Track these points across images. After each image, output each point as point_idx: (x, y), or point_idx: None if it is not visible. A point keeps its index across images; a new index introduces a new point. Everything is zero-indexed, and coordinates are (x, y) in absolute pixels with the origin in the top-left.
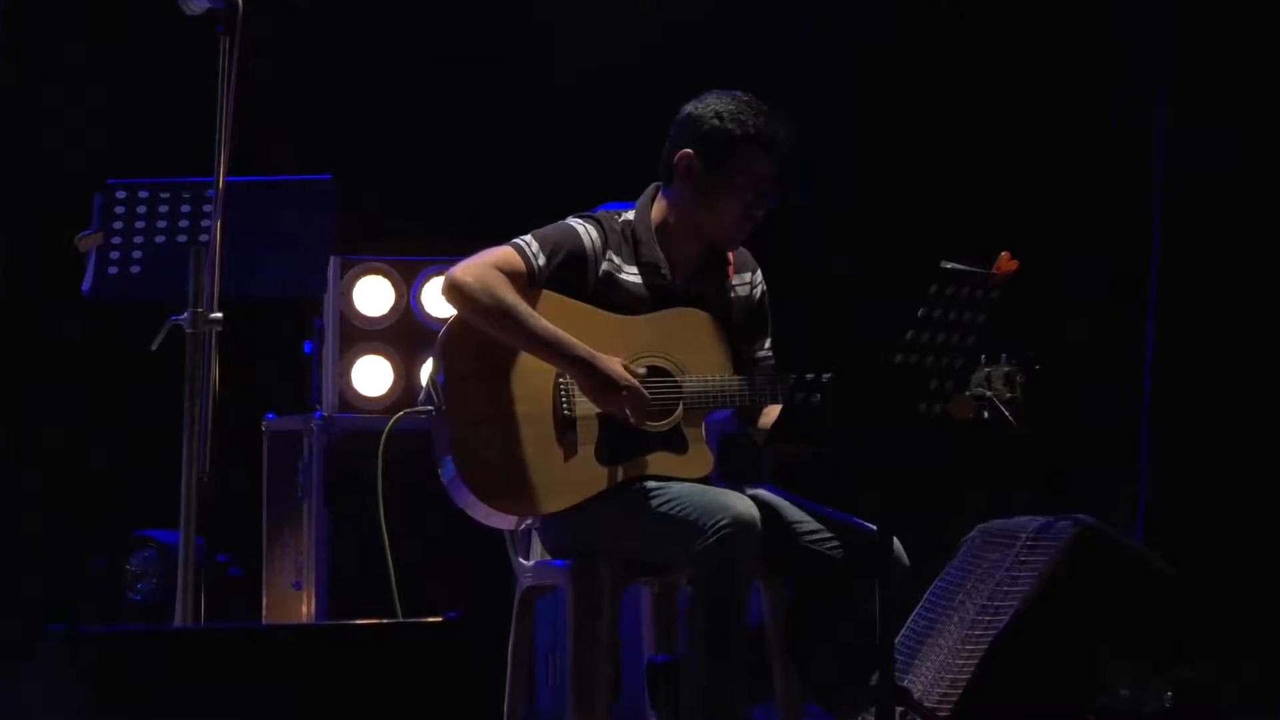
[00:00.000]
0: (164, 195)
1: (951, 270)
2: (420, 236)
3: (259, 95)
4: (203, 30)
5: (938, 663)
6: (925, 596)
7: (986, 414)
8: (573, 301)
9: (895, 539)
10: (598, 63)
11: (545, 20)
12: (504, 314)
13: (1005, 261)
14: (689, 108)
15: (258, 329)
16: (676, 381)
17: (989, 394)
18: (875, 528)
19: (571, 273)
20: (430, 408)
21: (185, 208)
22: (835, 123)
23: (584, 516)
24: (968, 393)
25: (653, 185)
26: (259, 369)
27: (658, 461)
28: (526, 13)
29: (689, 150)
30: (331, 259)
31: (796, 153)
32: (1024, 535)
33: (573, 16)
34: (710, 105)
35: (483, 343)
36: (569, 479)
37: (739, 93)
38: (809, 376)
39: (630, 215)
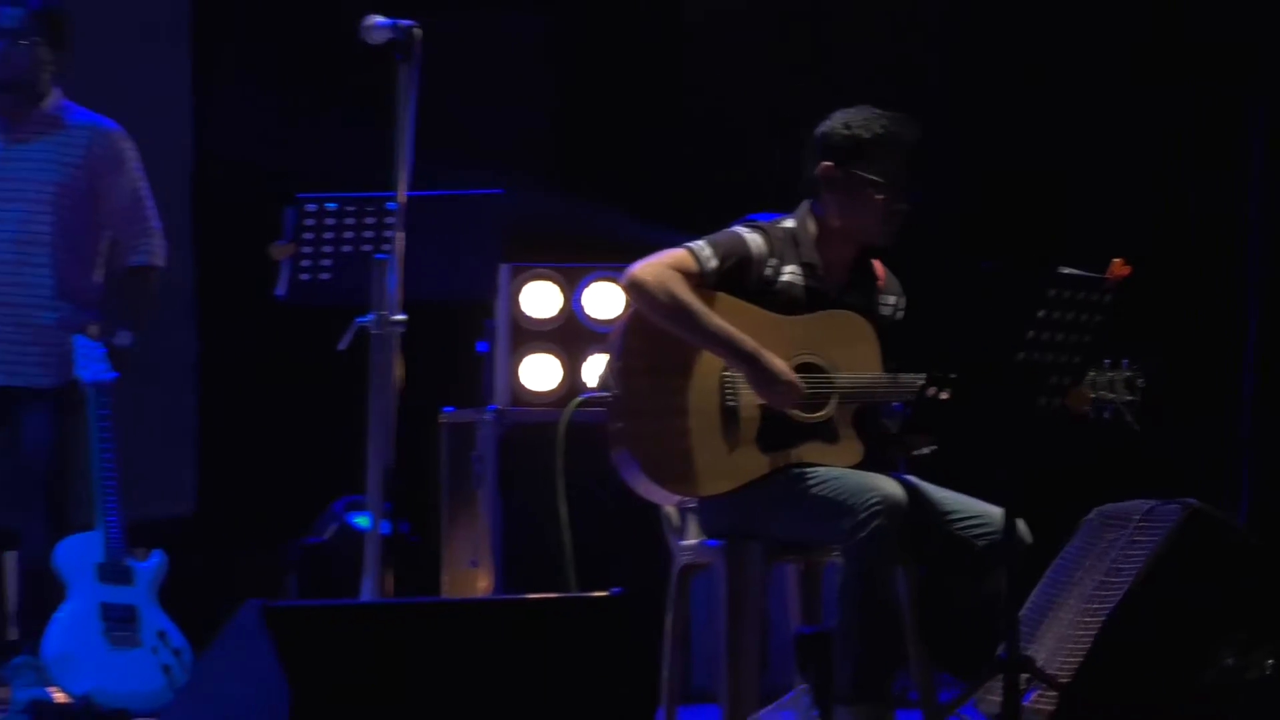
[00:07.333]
0: (350, 209)
1: (1069, 275)
2: (583, 245)
3: (435, 116)
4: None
5: (1059, 634)
6: (1047, 573)
7: (1107, 415)
8: (741, 301)
9: (1019, 520)
10: (742, 82)
11: (697, 41)
12: (680, 311)
13: (1118, 267)
14: (821, 126)
15: (436, 330)
16: (830, 377)
17: (1111, 397)
18: (1001, 510)
19: (736, 277)
20: (607, 394)
21: (369, 219)
22: (962, 137)
23: (740, 500)
24: (1093, 395)
25: (806, 201)
26: (437, 366)
27: (811, 450)
28: (681, 33)
29: (828, 162)
30: (502, 266)
31: (924, 149)
32: (1136, 516)
33: (722, 40)
34: (838, 119)
35: (656, 337)
36: (730, 464)
37: (864, 106)
38: (939, 374)
39: (790, 223)
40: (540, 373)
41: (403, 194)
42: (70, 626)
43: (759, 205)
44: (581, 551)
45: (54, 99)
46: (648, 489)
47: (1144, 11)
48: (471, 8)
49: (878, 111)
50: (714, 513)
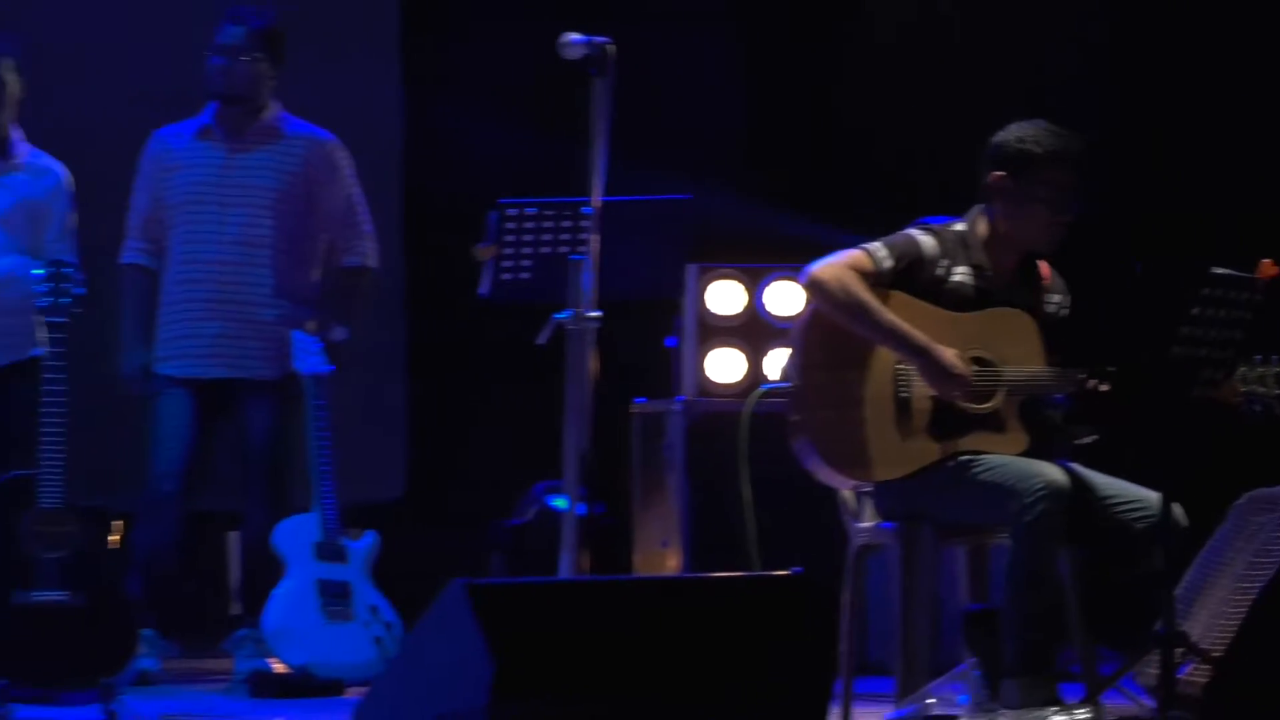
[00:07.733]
0: (548, 213)
1: (1221, 275)
2: (765, 246)
3: (627, 124)
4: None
5: (1212, 611)
6: (1200, 554)
7: (1258, 408)
8: (914, 299)
9: (1175, 504)
10: (915, 93)
11: (875, 53)
12: (857, 308)
13: (1268, 267)
14: (995, 138)
15: (628, 326)
16: (998, 370)
17: (1262, 391)
18: (1158, 495)
19: (910, 276)
20: (788, 385)
21: (566, 223)
22: (1121, 143)
23: (913, 485)
24: (1244, 389)
25: (977, 206)
26: (629, 360)
27: (979, 439)
28: (859, 45)
29: (1000, 172)
30: (689, 266)
31: (1088, 165)
32: None
33: (898, 54)
34: (1013, 132)
35: (834, 333)
36: (903, 452)
37: (1037, 120)
38: (1099, 368)
39: (961, 226)
40: (725, 366)
41: (597, 199)
42: (289, 602)
43: (931, 209)
44: (764, 533)
45: (273, 111)
46: (826, 475)
47: None
48: (661, 20)
49: (1049, 127)
50: (888, 497)
